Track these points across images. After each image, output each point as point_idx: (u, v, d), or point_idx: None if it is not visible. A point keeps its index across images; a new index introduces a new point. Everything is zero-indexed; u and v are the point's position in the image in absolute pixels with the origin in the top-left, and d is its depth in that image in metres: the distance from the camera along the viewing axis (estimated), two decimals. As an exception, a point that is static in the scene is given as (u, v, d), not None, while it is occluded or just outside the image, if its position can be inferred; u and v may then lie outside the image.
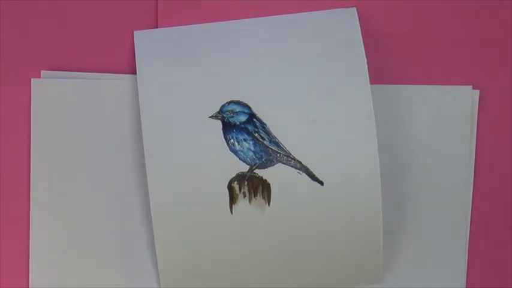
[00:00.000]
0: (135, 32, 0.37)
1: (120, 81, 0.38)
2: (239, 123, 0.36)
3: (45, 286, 0.38)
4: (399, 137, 0.38)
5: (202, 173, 0.36)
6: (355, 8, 0.38)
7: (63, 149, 0.38)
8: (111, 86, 0.38)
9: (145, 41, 0.37)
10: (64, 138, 0.38)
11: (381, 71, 0.38)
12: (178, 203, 0.36)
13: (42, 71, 0.38)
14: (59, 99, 0.38)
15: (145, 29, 0.38)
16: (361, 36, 0.37)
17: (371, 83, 0.38)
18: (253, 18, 0.38)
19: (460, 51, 0.39)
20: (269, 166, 0.36)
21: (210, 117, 0.36)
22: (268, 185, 0.36)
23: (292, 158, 0.36)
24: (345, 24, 0.37)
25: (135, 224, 0.38)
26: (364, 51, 0.37)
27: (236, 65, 0.37)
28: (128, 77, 0.38)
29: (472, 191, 0.39)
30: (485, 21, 0.39)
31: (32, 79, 0.38)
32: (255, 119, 0.36)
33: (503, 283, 0.38)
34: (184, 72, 0.36)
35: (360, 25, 0.37)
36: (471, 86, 0.39)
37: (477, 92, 0.39)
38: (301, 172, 0.36)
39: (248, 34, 0.37)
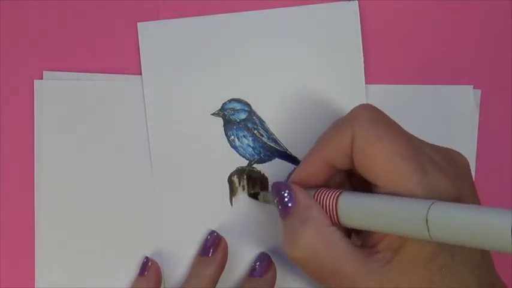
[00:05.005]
0: (138, 23, 0.38)
1: (123, 82, 0.38)
2: (239, 121, 0.38)
3: (50, 286, 0.38)
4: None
5: (205, 167, 0.38)
6: (356, 1, 0.38)
7: (68, 150, 0.38)
8: (114, 86, 0.38)
9: (148, 33, 0.38)
10: (68, 140, 0.38)
11: (380, 71, 0.39)
12: (182, 196, 0.38)
13: (44, 72, 0.38)
14: (62, 101, 0.38)
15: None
16: (360, 29, 0.38)
17: (371, 83, 0.39)
18: (253, 11, 0.38)
19: (460, 51, 0.39)
20: (267, 161, 0.38)
21: (212, 114, 0.38)
22: (266, 178, 0.38)
23: (288, 154, 0.38)
24: (345, 18, 0.38)
25: (142, 223, 0.38)
26: (361, 44, 0.38)
27: (236, 63, 0.38)
28: (131, 77, 0.38)
29: (473, 191, 0.39)
30: (485, 21, 0.39)
31: (35, 81, 0.38)
32: (254, 117, 0.38)
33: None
34: (187, 72, 0.38)
35: (361, 24, 0.38)
36: (472, 86, 0.39)
37: (478, 91, 0.39)
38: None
39: (247, 27, 0.38)
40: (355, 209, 0.30)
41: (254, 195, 0.38)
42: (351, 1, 0.38)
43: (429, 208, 0.26)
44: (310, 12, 0.38)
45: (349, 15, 0.38)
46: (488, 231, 0.24)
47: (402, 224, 0.28)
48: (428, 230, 0.26)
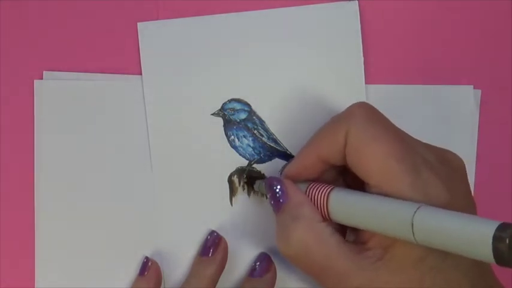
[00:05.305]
0: (138, 23, 0.38)
1: (123, 82, 0.38)
2: (239, 121, 0.38)
3: (50, 286, 0.38)
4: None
5: (205, 167, 0.38)
6: (356, 1, 0.38)
7: (68, 150, 0.38)
8: (114, 86, 0.38)
9: (148, 33, 0.38)
10: (68, 140, 0.38)
11: (380, 71, 0.39)
12: (182, 196, 0.38)
13: (44, 72, 0.38)
14: (62, 101, 0.38)
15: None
16: (360, 29, 0.38)
17: (371, 83, 0.39)
18: (253, 11, 0.38)
19: (460, 51, 0.39)
20: (267, 161, 0.38)
21: (212, 114, 0.38)
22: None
23: (288, 154, 0.38)
24: (345, 18, 0.38)
25: (142, 223, 0.38)
26: (361, 44, 0.38)
27: (236, 63, 0.38)
28: (131, 77, 0.38)
29: (472, 192, 0.38)
30: (485, 21, 0.39)
31: (35, 81, 0.38)
32: (254, 117, 0.38)
33: (503, 283, 0.38)
34: (187, 72, 0.38)
35: (361, 24, 0.38)
36: (472, 86, 0.39)
37: (478, 91, 0.39)
38: (296, 167, 0.38)
39: (247, 27, 0.38)
40: (345, 206, 0.30)
41: (251, 182, 0.38)
42: (351, 1, 0.38)
43: (415, 212, 0.26)
44: (310, 12, 0.38)
45: (349, 15, 0.38)
46: (471, 240, 0.24)
47: (389, 226, 0.28)
48: (413, 233, 0.26)
